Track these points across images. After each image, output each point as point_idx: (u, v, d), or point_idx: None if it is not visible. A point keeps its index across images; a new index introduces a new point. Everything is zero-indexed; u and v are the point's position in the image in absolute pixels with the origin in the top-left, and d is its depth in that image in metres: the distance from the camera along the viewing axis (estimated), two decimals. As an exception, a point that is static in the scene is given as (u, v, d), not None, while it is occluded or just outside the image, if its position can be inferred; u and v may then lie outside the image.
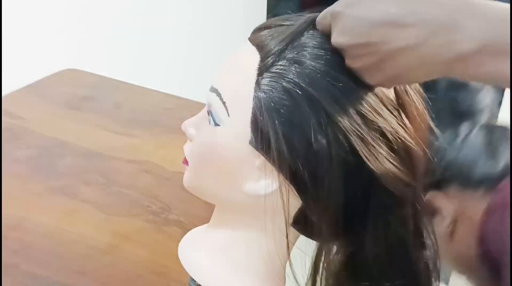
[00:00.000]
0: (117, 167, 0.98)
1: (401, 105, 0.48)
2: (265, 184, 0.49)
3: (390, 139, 0.47)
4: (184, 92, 1.29)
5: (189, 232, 0.63)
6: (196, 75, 1.86)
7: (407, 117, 0.48)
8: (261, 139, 0.47)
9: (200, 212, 0.84)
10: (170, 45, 1.78)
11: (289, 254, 0.54)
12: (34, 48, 1.30)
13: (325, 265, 0.56)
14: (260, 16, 2.16)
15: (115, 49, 1.55)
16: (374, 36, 0.41)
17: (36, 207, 0.87)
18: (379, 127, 0.46)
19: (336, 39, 0.44)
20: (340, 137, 0.46)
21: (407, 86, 0.49)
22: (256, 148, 0.48)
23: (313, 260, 0.57)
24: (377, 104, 0.47)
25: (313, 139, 0.46)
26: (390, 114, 0.47)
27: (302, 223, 0.52)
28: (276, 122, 0.46)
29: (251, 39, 0.51)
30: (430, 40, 0.39)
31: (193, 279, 0.59)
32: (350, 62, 0.44)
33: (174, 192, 0.89)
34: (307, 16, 0.49)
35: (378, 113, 0.47)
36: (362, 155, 0.46)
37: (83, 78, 1.33)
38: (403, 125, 0.48)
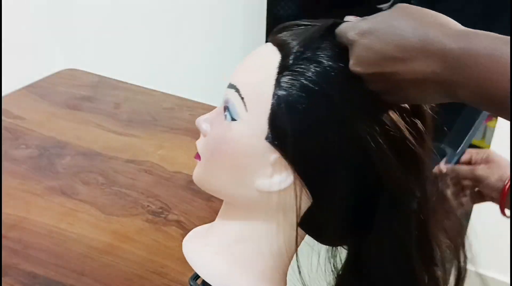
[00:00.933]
0: (117, 167, 0.97)
1: (415, 113, 0.49)
2: (278, 181, 0.49)
3: (399, 145, 0.48)
4: (184, 92, 1.29)
5: (192, 230, 0.63)
6: (196, 75, 1.86)
7: (422, 124, 0.49)
8: (278, 135, 0.48)
9: (200, 212, 0.84)
10: (170, 45, 1.78)
11: (296, 250, 0.54)
12: (34, 48, 1.30)
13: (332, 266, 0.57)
14: (260, 16, 2.16)
15: (115, 49, 1.55)
16: (386, 68, 0.43)
17: (35, 207, 0.87)
18: (391, 132, 0.47)
19: (353, 67, 0.46)
20: (354, 137, 0.47)
21: None
22: (272, 144, 0.49)
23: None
24: (391, 110, 0.48)
25: (329, 137, 0.47)
26: (403, 122, 0.48)
27: (310, 223, 0.53)
28: (294, 119, 0.47)
29: (271, 40, 0.52)
30: (431, 76, 0.41)
31: (193, 279, 0.59)
32: (367, 85, 0.46)
33: (174, 192, 0.89)
34: (327, 20, 0.51)
35: (391, 119, 0.48)
36: (372, 158, 0.47)
37: (82, 78, 1.33)
38: (414, 133, 0.49)
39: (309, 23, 0.51)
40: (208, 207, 0.84)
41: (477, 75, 0.39)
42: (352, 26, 0.46)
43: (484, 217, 1.60)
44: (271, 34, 0.53)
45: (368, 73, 0.45)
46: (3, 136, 1.05)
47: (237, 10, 2.08)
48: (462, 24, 0.42)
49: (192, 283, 0.59)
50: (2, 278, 0.72)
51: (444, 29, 0.41)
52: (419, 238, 0.52)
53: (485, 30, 0.40)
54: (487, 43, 0.39)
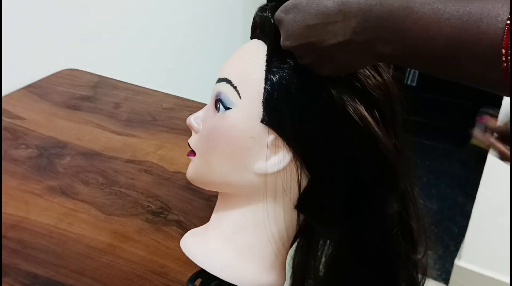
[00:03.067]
0: (117, 167, 0.97)
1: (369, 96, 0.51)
2: (275, 162, 0.51)
3: (360, 124, 0.50)
4: (184, 92, 1.29)
5: (188, 232, 0.64)
6: (196, 75, 1.86)
7: (377, 109, 0.51)
8: (274, 116, 0.50)
9: (200, 212, 0.84)
10: (170, 45, 1.78)
11: (295, 230, 0.55)
12: (34, 48, 1.30)
13: (325, 250, 0.59)
14: (260, 16, 2.16)
15: (115, 49, 1.55)
16: (311, 38, 0.45)
17: (35, 207, 0.87)
18: (351, 111, 0.50)
19: (283, 42, 0.49)
20: (344, 111, 0.49)
21: (381, 67, 0.52)
22: (268, 125, 0.51)
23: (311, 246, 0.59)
24: (352, 91, 0.50)
25: (322, 112, 0.49)
26: (358, 102, 0.50)
27: (307, 204, 0.54)
28: (288, 98, 0.49)
29: (254, 36, 0.55)
30: (353, 36, 0.43)
31: (191, 280, 0.59)
32: (299, 61, 0.49)
33: (174, 192, 0.89)
34: None
35: (353, 100, 0.50)
36: (359, 131, 0.50)
37: (82, 78, 1.33)
38: (371, 114, 0.51)
39: (275, 5, 0.53)
40: (208, 207, 0.84)
41: (394, 28, 0.40)
42: (280, 7, 0.49)
43: (484, 217, 1.60)
44: (251, 32, 0.56)
45: (296, 46, 0.47)
46: (3, 136, 1.05)
47: (237, 11, 2.08)
48: None
49: (189, 285, 0.59)
50: (2, 278, 0.72)
51: None
52: (403, 217, 0.55)
53: None
54: None
